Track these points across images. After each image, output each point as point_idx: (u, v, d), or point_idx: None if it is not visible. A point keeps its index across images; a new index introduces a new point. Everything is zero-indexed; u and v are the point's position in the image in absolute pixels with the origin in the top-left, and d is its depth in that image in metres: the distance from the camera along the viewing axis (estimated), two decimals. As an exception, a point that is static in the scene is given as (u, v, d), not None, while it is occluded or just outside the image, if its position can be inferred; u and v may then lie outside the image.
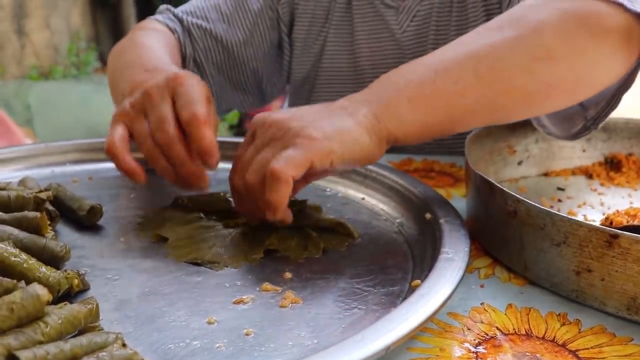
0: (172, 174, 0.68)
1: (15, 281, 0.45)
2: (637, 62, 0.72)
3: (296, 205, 0.68)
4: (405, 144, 0.65)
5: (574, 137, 0.82)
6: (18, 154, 0.87)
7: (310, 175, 0.63)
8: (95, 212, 0.70)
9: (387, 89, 0.64)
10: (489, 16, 1.00)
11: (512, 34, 0.65)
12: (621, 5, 0.67)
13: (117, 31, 5.54)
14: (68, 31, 4.89)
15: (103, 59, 5.02)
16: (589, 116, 0.79)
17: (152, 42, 0.94)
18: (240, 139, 0.74)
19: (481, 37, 0.66)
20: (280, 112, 0.64)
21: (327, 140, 0.59)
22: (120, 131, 0.68)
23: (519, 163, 0.89)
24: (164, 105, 0.67)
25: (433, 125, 0.65)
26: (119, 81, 0.85)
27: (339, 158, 0.60)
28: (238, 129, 3.78)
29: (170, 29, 1.05)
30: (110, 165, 0.88)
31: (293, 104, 1.25)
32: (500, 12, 0.96)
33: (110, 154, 0.68)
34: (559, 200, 0.82)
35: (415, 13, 1.06)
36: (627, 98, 0.77)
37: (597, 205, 0.81)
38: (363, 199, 0.77)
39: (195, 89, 0.68)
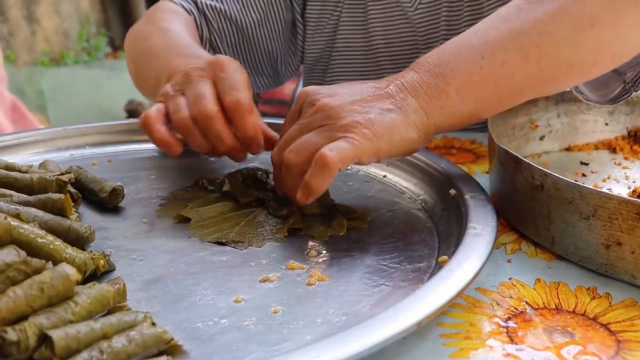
0: (208, 148, 0.68)
1: (44, 261, 0.45)
2: None
3: None
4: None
5: (613, 101, 0.81)
6: (37, 137, 0.87)
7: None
8: (117, 193, 0.70)
9: (435, 76, 0.62)
10: None
11: (553, 6, 0.64)
12: None
13: (127, 16, 5.53)
14: (78, 16, 4.88)
15: (113, 44, 5.01)
16: (628, 79, 0.78)
17: (177, 27, 0.93)
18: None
19: (522, 11, 0.64)
20: (329, 93, 0.62)
21: (377, 139, 0.58)
22: (156, 106, 0.69)
23: (541, 138, 0.88)
24: (204, 84, 0.68)
25: (480, 111, 0.64)
26: (149, 66, 0.85)
27: (386, 155, 0.60)
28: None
29: (186, 10, 1.04)
30: (130, 147, 0.89)
31: (308, 84, 1.24)
32: None
33: (144, 126, 0.69)
34: (583, 175, 0.81)
35: None
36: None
37: (621, 179, 0.80)
38: (385, 176, 0.77)
39: (237, 74, 0.68)
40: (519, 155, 0.61)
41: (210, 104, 0.66)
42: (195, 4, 1.07)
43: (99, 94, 3.25)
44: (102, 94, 3.25)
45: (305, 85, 1.26)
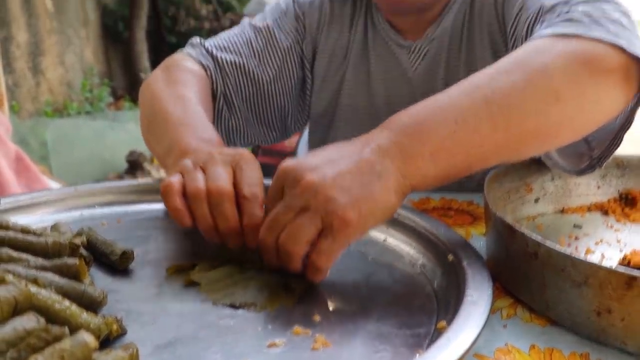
0: (209, 224, 0.70)
1: (64, 328, 0.47)
2: (635, 100, 0.75)
3: None
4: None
5: (580, 173, 0.85)
6: (49, 197, 0.90)
7: None
8: (127, 256, 0.72)
9: (409, 137, 0.65)
10: (495, 54, 1.03)
11: (522, 78, 0.68)
12: (620, 47, 0.70)
13: (129, 67, 5.63)
14: (81, 67, 4.98)
15: (115, 94, 5.11)
16: (595, 155, 0.82)
17: (193, 95, 0.96)
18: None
19: (493, 80, 0.69)
20: (310, 168, 0.64)
21: (362, 219, 0.61)
22: (177, 177, 0.72)
23: (536, 201, 0.91)
24: (225, 167, 0.72)
25: (452, 174, 0.67)
26: (163, 133, 0.88)
27: (370, 228, 0.64)
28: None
29: (203, 65, 1.09)
30: (138, 207, 0.92)
31: (312, 138, 1.28)
32: (506, 52, 0.99)
33: (164, 193, 0.71)
34: (576, 238, 0.84)
35: (425, 52, 1.10)
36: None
37: (613, 243, 0.83)
38: (385, 240, 0.79)
39: (257, 171, 0.73)
40: (513, 225, 0.64)
41: (227, 184, 0.70)
42: (214, 59, 1.11)
43: (101, 145, 3.30)
44: (104, 145, 3.30)
45: (310, 138, 1.30)
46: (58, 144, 3.15)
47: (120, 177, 3.06)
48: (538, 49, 0.72)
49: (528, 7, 0.89)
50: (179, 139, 0.83)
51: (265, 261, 0.68)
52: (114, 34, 5.58)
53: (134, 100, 4.75)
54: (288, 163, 0.66)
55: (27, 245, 0.66)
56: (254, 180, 0.71)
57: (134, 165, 3.09)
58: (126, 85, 5.65)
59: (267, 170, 0.72)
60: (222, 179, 0.70)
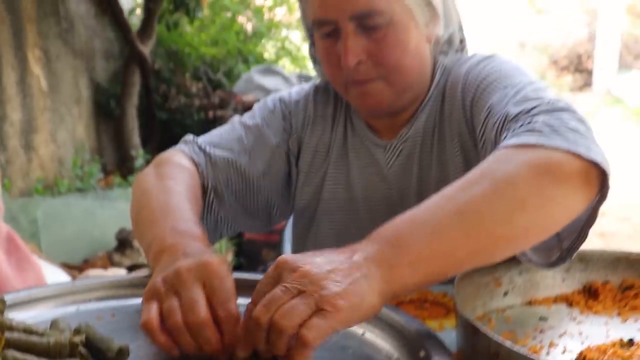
0: (195, 349, 0.75)
1: None
2: (596, 199, 0.83)
3: None
4: None
5: (551, 265, 0.91)
6: (46, 293, 0.95)
7: None
8: (122, 353, 0.77)
9: (392, 248, 0.73)
10: (464, 153, 1.12)
11: (490, 189, 0.76)
12: (578, 154, 0.78)
13: (120, 142, 5.73)
14: (73, 143, 5.07)
15: (106, 170, 5.18)
16: (564, 247, 0.89)
17: (180, 189, 1.03)
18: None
19: (464, 192, 0.76)
20: (307, 262, 0.71)
21: (350, 309, 0.68)
22: (154, 309, 0.76)
23: (505, 294, 0.97)
24: (196, 289, 0.75)
25: (430, 280, 0.74)
26: (147, 227, 0.95)
27: (354, 322, 0.70)
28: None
29: (194, 161, 1.17)
30: (131, 302, 0.97)
31: (296, 228, 1.35)
32: (476, 151, 1.07)
33: (145, 329, 0.76)
34: (541, 331, 0.90)
35: (400, 151, 1.18)
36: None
37: (576, 335, 0.89)
38: (363, 334, 0.85)
39: (227, 282, 0.76)
40: (477, 325, 0.71)
41: (203, 312, 0.73)
42: (207, 155, 1.19)
43: (91, 223, 3.35)
44: (94, 223, 3.36)
45: (294, 229, 1.37)
46: (48, 222, 3.20)
47: (109, 255, 3.10)
48: (504, 159, 0.80)
49: (494, 113, 0.98)
50: (157, 234, 0.89)
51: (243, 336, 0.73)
52: (106, 111, 5.70)
53: (124, 176, 4.82)
54: (287, 255, 0.74)
55: (30, 346, 0.71)
56: (226, 296, 0.75)
57: (123, 243, 3.14)
58: (116, 161, 5.74)
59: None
60: (197, 306, 0.74)
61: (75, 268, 3.00)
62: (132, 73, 5.68)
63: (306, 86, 1.31)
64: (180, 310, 0.75)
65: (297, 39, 8.50)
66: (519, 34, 14.11)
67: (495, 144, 0.93)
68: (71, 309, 0.95)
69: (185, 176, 1.11)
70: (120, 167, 5.48)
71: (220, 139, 1.23)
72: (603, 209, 0.86)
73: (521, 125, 0.87)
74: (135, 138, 5.70)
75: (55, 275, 2.06)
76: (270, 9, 8.41)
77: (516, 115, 0.91)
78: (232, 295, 0.76)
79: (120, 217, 3.42)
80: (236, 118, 1.29)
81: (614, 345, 0.78)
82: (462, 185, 0.79)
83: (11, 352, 0.68)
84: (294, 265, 0.72)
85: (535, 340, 0.87)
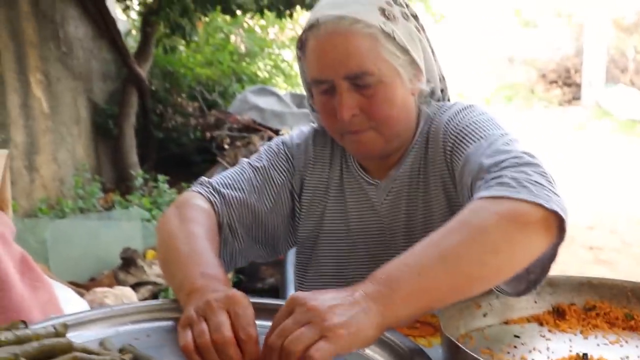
0: None
1: None
2: (556, 241, 0.99)
3: None
4: None
5: (519, 295, 1.07)
6: (89, 317, 1.10)
7: None
8: (163, 369, 0.93)
9: (386, 287, 0.88)
10: (446, 192, 1.29)
11: (466, 236, 0.92)
12: (540, 205, 0.95)
13: (118, 161, 5.88)
14: (73, 163, 5.21)
15: (105, 188, 5.31)
16: (531, 279, 1.05)
17: (201, 232, 1.19)
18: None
19: (445, 239, 0.93)
20: (315, 298, 0.87)
21: (350, 337, 0.84)
22: (189, 335, 0.91)
23: (484, 315, 1.13)
24: (222, 315, 0.91)
25: (419, 313, 0.91)
26: (176, 271, 1.11)
27: (354, 348, 0.86)
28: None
29: (211, 202, 1.32)
30: (163, 324, 1.13)
31: (298, 256, 1.51)
32: (455, 190, 1.24)
33: (184, 352, 0.90)
34: (515, 347, 1.06)
35: (390, 189, 1.36)
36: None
37: (544, 350, 1.05)
38: (363, 350, 1.01)
39: (248, 311, 0.92)
40: (459, 344, 0.87)
41: (227, 333, 0.89)
42: (221, 195, 1.34)
43: (95, 242, 3.49)
44: (98, 242, 3.49)
45: (296, 258, 1.52)
46: (56, 242, 3.34)
47: (115, 273, 3.24)
48: (478, 209, 0.97)
49: (470, 162, 1.14)
50: (187, 276, 1.05)
51: None
52: (104, 131, 5.85)
53: (122, 194, 4.96)
54: (299, 293, 0.89)
55: (92, 364, 0.86)
56: (247, 321, 0.91)
57: (128, 262, 3.27)
58: (115, 179, 5.88)
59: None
60: (223, 328, 0.89)
61: (82, 286, 3.14)
62: (130, 94, 5.84)
63: (305, 130, 1.48)
64: (208, 332, 0.91)
65: (289, 57, 8.69)
66: (508, 49, 14.37)
67: (471, 188, 1.09)
68: (110, 331, 1.10)
69: (204, 218, 1.27)
70: (119, 185, 5.63)
71: (232, 180, 1.38)
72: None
73: (493, 178, 1.03)
74: (133, 157, 5.85)
75: (64, 293, 2.20)
76: (263, 28, 8.60)
77: (489, 167, 1.07)
78: (252, 321, 0.92)
79: (124, 236, 3.56)
80: (244, 160, 1.44)
81: (571, 359, 0.94)
82: (444, 233, 0.95)
83: (79, 369, 0.83)
84: (304, 302, 0.87)
85: (509, 355, 1.02)
